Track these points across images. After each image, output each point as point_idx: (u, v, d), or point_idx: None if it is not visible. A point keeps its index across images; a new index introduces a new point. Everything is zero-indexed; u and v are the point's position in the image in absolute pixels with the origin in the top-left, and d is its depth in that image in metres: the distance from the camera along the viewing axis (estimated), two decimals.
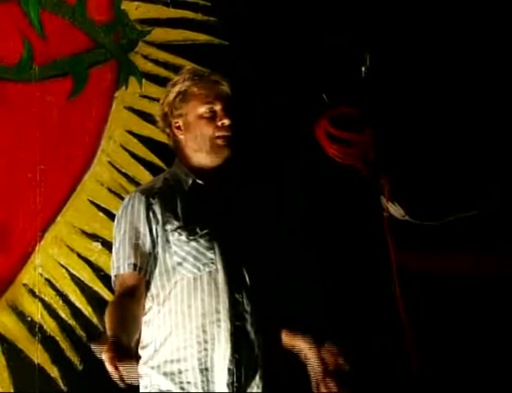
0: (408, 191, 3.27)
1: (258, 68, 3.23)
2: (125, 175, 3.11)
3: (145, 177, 3.08)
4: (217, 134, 2.51)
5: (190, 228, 2.44)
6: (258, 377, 2.43)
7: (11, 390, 2.89)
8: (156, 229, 2.44)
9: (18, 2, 3.05)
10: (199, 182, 2.53)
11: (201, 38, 3.24)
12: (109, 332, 2.28)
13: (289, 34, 3.28)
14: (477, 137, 3.30)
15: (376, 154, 3.26)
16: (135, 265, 2.40)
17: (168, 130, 2.62)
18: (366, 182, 3.26)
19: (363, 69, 3.31)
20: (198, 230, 2.44)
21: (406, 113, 3.32)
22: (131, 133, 3.15)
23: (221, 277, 2.41)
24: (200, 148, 2.53)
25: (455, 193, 3.30)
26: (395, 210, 3.27)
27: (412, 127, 3.31)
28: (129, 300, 2.40)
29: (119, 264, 2.43)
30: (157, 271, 2.44)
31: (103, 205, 3.05)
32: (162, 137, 2.75)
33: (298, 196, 3.24)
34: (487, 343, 3.19)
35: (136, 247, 2.42)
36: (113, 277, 2.47)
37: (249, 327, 2.42)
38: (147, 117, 3.05)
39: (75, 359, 2.95)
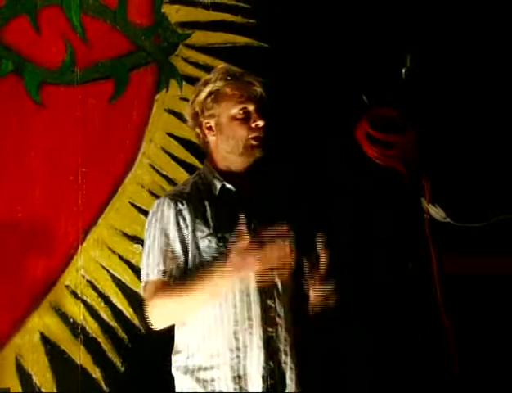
0: (449, 193, 3.25)
1: (297, 70, 3.23)
2: (166, 177, 3.13)
3: (185, 179, 3.08)
4: (251, 135, 2.47)
5: (220, 235, 2.41)
6: (293, 384, 2.41)
7: (54, 391, 2.92)
8: (187, 235, 2.42)
9: (60, 7, 3.08)
10: (229, 186, 2.50)
11: (241, 40, 3.25)
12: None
13: (329, 36, 3.28)
14: None
15: (417, 156, 3.25)
16: (165, 271, 2.39)
17: (198, 130, 2.57)
18: (407, 184, 3.24)
19: (404, 70, 3.29)
20: (228, 236, 2.40)
21: (446, 114, 3.29)
22: (171, 135, 3.16)
23: (252, 283, 2.38)
24: (233, 150, 2.50)
25: (496, 195, 3.27)
26: (436, 212, 3.25)
27: (453, 128, 3.28)
28: None
29: (148, 270, 2.41)
30: None
31: (144, 208, 3.05)
32: None
33: (337, 199, 3.23)
34: None
35: (166, 254, 2.40)
36: (142, 284, 2.45)
37: (282, 333, 2.40)
38: None
39: (117, 361, 2.97)
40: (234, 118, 2.50)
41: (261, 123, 2.48)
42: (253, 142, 2.48)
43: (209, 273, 2.32)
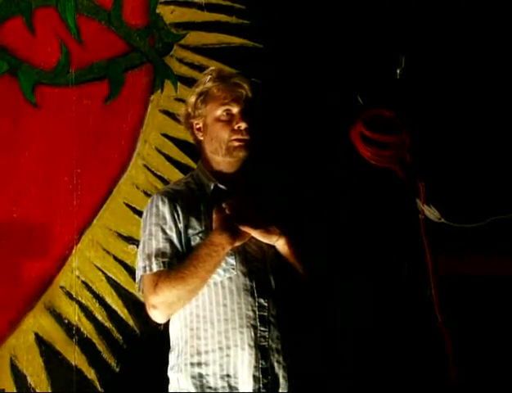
0: (444, 193, 3.25)
1: (292, 71, 3.23)
2: (160, 178, 3.12)
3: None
4: (232, 137, 2.49)
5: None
6: (286, 382, 2.40)
7: (49, 392, 2.91)
8: (180, 231, 2.44)
9: (55, 8, 3.08)
10: (222, 186, 2.52)
11: (236, 41, 3.25)
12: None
13: (323, 37, 3.28)
14: None
15: (412, 156, 3.25)
16: (164, 263, 2.40)
17: (190, 131, 2.62)
18: (402, 184, 3.25)
19: (398, 70, 3.30)
20: None
21: (441, 114, 3.30)
22: (166, 136, 3.15)
23: (242, 282, 2.39)
24: (216, 151, 2.52)
25: (491, 196, 3.28)
26: (431, 213, 3.26)
27: (448, 128, 3.29)
28: None
29: (145, 264, 2.42)
30: None
31: (139, 208, 3.04)
32: None
33: (332, 200, 3.23)
34: None
35: (164, 248, 2.42)
36: (138, 278, 2.47)
37: (275, 332, 2.39)
38: None
39: (112, 361, 2.97)
40: (218, 119, 2.52)
41: (243, 125, 2.49)
42: (235, 144, 2.49)
43: (204, 249, 2.37)
